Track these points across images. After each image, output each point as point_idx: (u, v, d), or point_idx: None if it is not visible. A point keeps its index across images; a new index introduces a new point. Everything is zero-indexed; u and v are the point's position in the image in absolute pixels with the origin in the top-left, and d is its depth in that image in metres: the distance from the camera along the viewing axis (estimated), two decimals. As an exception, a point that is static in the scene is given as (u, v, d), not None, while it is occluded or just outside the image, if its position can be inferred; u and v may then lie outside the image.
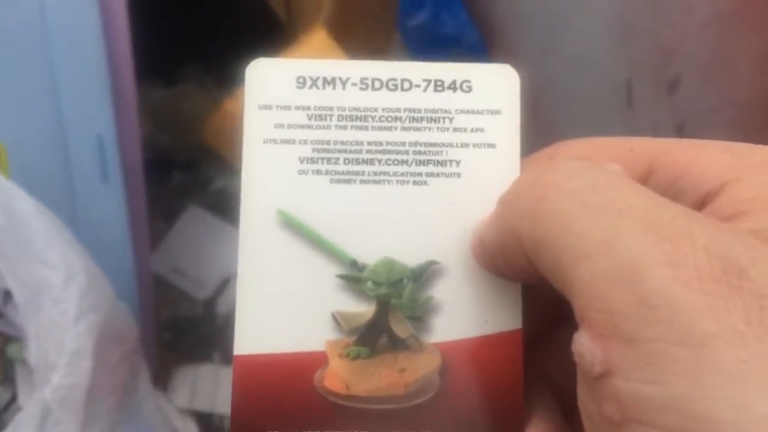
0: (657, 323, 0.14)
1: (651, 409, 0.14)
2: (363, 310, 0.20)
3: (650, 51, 0.48)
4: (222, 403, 0.66)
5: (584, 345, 0.16)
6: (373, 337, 0.20)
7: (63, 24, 0.53)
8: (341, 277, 0.20)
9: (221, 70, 0.76)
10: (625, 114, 0.49)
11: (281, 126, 0.21)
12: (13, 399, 0.52)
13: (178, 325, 0.71)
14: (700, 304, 0.14)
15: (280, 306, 0.20)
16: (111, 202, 0.57)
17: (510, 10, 0.66)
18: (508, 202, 0.19)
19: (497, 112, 0.21)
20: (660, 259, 0.15)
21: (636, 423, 0.15)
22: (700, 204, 0.18)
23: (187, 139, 0.76)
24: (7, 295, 0.51)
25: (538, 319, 0.21)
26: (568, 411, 0.20)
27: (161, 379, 0.65)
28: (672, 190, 0.18)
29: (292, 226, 0.20)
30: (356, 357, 0.20)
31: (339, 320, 0.20)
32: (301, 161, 0.21)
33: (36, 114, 0.55)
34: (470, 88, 0.21)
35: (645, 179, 0.19)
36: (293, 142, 0.21)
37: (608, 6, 0.52)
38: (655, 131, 0.49)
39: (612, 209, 0.16)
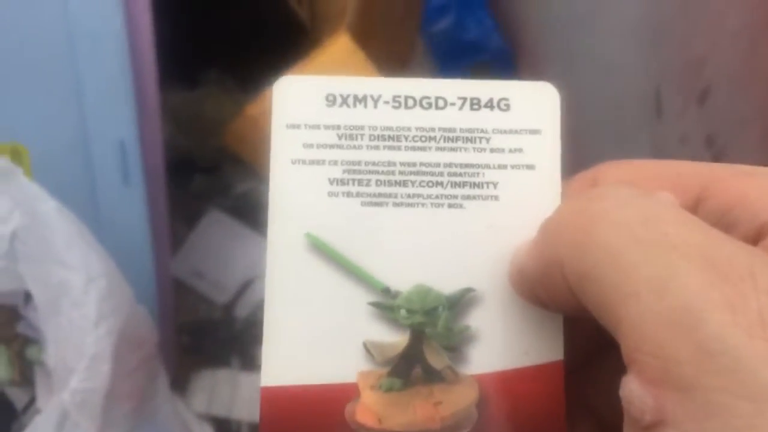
0: (717, 373, 0.13)
1: None
2: (396, 339, 0.20)
3: (680, 60, 0.47)
4: (240, 409, 0.66)
5: (633, 391, 0.15)
6: (406, 368, 0.19)
7: (87, 28, 0.54)
8: (373, 305, 0.20)
9: (244, 73, 0.76)
10: (654, 124, 0.48)
11: (310, 146, 0.20)
12: (32, 401, 0.53)
13: (197, 328, 0.71)
14: (764, 354, 0.13)
15: (310, 335, 0.19)
16: (132, 205, 0.57)
17: (535, 17, 0.65)
18: (550, 231, 0.18)
19: (537, 131, 0.20)
20: (720, 303, 0.14)
21: None
22: (755, 237, 0.17)
23: (209, 143, 0.76)
24: (28, 297, 0.51)
25: (580, 347, 0.20)
26: None
27: (179, 384, 0.65)
28: (724, 221, 0.17)
29: (322, 250, 0.20)
30: (389, 389, 0.19)
31: (371, 350, 0.19)
32: (331, 183, 0.20)
33: (59, 117, 0.56)
34: (508, 107, 0.20)
35: (694, 208, 0.18)
36: (323, 162, 0.20)
37: (637, 12, 0.51)
38: (684, 141, 0.48)
39: (665, 244, 0.15)
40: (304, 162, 0.20)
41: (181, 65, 0.64)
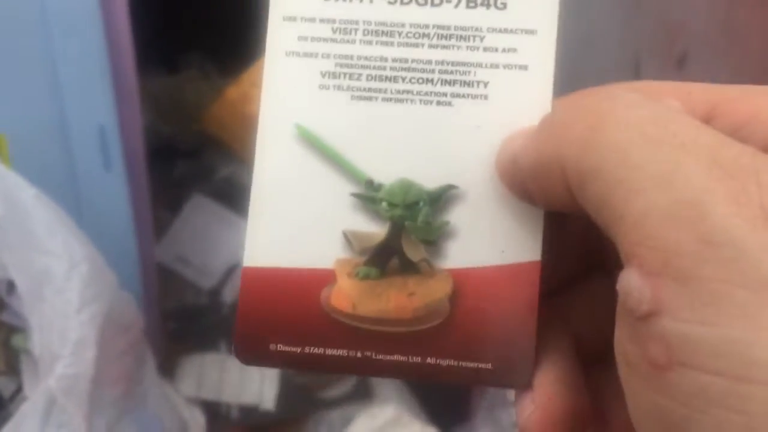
0: (717, 262, 0.13)
1: (702, 352, 0.13)
2: (376, 230, 0.20)
3: (658, 26, 0.47)
4: (229, 392, 0.66)
5: (632, 282, 0.15)
6: (383, 259, 0.20)
7: (63, 12, 0.53)
8: (356, 195, 0.20)
9: (223, 57, 0.75)
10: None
11: (305, 39, 0.20)
12: (19, 389, 0.52)
13: (183, 314, 0.71)
14: (764, 244, 0.13)
15: (292, 221, 0.20)
16: (114, 191, 0.57)
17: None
18: (553, 127, 0.17)
19: (532, 32, 0.20)
20: (724, 196, 0.14)
21: (684, 366, 0.14)
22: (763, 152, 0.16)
23: (190, 128, 0.75)
24: (11, 285, 0.50)
25: (565, 263, 0.20)
26: (588, 364, 0.20)
27: (167, 369, 0.65)
28: (737, 138, 0.16)
29: (310, 141, 0.20)
30: (365, 277, 0.20)
31: (350, 239, 0.20)
32: (323, 75, 0.20)
33: (37, 103, 0.55)
34: (505, 6, 0.20)
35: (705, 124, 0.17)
36: (316, 55, 0.20)
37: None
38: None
39: (674, 143, 0.15)
40: (297, 54, 0.20)
41: (159, 49, 0.64)
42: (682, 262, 0.14)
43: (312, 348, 0.20)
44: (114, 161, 0.56)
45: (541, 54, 0.20)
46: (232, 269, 0.71)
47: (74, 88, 0.55)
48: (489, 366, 0.19)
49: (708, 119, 0.18)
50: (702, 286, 0.14)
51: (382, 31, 0.20)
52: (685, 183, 0.14)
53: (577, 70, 0.58)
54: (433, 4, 0.20)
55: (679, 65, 0.45)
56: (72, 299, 0.47)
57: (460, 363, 0.19)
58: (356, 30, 0.20)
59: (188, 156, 0.77)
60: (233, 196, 0.73)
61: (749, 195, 0.14)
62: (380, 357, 0.20)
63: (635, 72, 0.49)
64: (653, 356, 0.14)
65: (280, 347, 0.20)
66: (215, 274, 0.71)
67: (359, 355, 0.20)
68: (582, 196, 0.16)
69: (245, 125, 0.65)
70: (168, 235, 0.72)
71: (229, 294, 0.71)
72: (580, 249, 0.20)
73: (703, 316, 0.14)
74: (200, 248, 0.72)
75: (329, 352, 0.20)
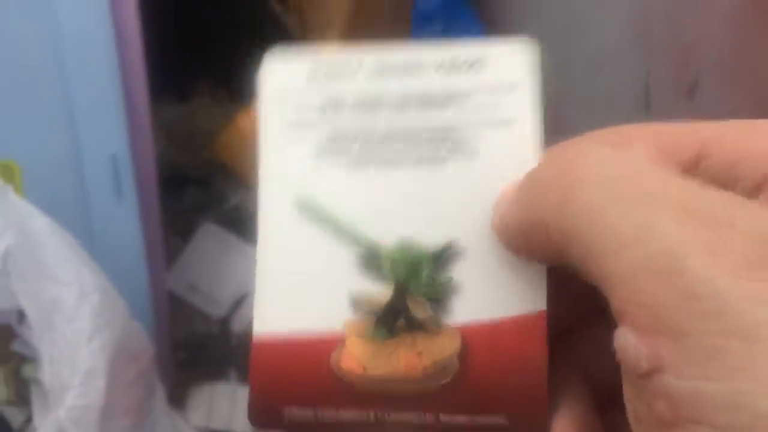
0: (704, 315, 0.14)
1: (708, 407, 0.13)
2: (382, 291, 0.20)
3: (669, 48, 0.47)
4: (239, 422, 0.65)
5: (628, 341, 0.15)
6: (391, 319, 0.20)
7: (76, 41, 0.54)
8: (359, 260, 0.20)
9: (234, 85, 0.76)
10: (643, 117, 0.48)
11: (297, 113, 0.21)
12: (29, 420, 0.52)
13: (193, 343, 0.70)
14: (748, 292, 0.13)
15: (299, 289, 0.20)
16: (125, 219, 0.57)
17: (524, 19, 0.65)
18: (533, 188, 0.18)
19: (515, 88, 0.21)
20: (700, 247, 0.14)
21: (691, 422, 0.14)
22: (757, 188, 0.17)
23: (202, 155, 0.76)
24: (21, 315, 0.50)
25: (574, 307, 0.20)
26: (604, 406, 0.19)
27: (177, 398, 0.65)
28: (727, 177, 0.17)
29: (311, 212, 0.21)
30: (374, 338, 0.20)
31: (357, 302, 0.20)
32: (318, 148, 0.21)
33: (50, 133, 0.56)
34: (485, 66, 0.21)
35: (695, 164, 0.18)
36: (309, 130, 0.21)
37: (625, 1, 0.51)
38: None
39: (646, 198, 0.15)
40: (291, 128, 0.21)
41: (171, 77, 0.64)
42: (673, 316, 0.14)
43: (325, 411, 0.20)
44: (126, 190, 0.57)
45: (524, 108, 0.21)
46: (242, 299, 0.71)
47: (87, 117, 0.55)
48: (503, 420, 0.19)
49: (699, 159, 0.18)
50: (697, 341, 0.14)
51: (370, 102, 0.21)
52: (661, 237, 0.14)
53: (584, 95, 0.58)
54: (416, 71, 0.21)
55: (689, 90, 0.45)
56: (83, 328, 0.47)
57: (474, 419, 0.20)
58: (345, 102, 0.21)
59: (199, 183, 0.77)
60: (243, 223, 0.73)
61: (725, 244, 0.14)
62: (394, 417, 0.20)
63: (645, 97, 0.49)
64: (659, 413, 0.14)
65: (294, 411, 0.20)
66: (225, 303, 0.71)
67: (373, 416, 0.20)
68: (567, 256, 0.16)
69: (255, 153, 0.65)
70: (178, 263, 0.72)
71: (239, 324, 0.71)
72: (583, 292, 0.20)
73: (704, 371, 0.14)
74: (210, 276, 0.72)
75: (342, 414, 0.20)
